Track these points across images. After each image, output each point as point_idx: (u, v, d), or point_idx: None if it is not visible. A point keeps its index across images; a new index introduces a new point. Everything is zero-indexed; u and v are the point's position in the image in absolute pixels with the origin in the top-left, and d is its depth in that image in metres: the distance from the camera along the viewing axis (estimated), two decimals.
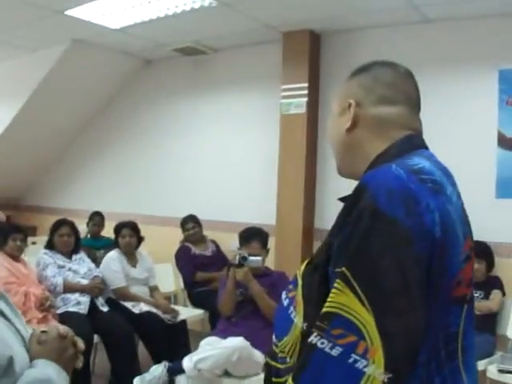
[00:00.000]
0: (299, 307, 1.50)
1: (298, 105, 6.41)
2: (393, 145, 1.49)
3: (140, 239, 5.97)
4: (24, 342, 1.56)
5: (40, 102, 7.77)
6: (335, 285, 1.26)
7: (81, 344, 1.64)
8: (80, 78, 7.77)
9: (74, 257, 5.52)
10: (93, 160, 8.90)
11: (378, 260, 1.23)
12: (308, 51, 6.42)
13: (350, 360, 1.19)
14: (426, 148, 1.54)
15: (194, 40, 7.02)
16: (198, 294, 6.40)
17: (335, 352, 1.20)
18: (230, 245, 6.50)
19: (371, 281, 1.22)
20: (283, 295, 1.61)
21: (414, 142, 1.52)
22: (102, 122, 8.81)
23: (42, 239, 6.14)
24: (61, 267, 5.32)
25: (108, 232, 7.04)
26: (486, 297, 5.11)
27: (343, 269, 1.25)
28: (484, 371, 4.60)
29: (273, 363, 1.57)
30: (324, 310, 1.26)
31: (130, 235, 5.84)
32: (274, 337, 1.60)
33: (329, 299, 1.26)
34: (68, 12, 6.00)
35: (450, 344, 1.34)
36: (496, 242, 5.35)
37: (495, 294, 5.12)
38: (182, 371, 4.09)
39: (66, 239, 5.45)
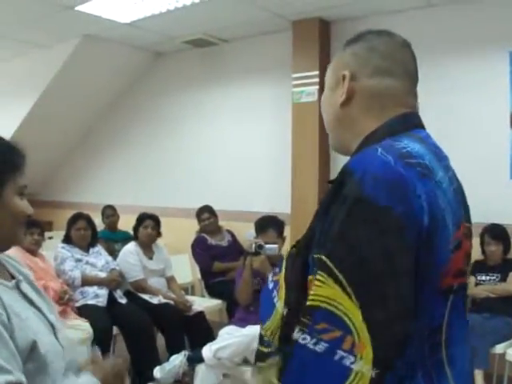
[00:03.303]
0: (281, 291, 1.46)
1: (310, 93, 6.40)
2: (384, 124, 1.41)
3: (159, 234, 5.99)
4: (53, 328, 1.58)
5: (53, 97, 7.81)
6: (317, 277, 1.20)
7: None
8: (92, 72, 7.81)
9: (91, 250, 5.56)
10: (106, 153, 8.94)
11: (361, 248, 1.17)
12: (318, 39, 6.42)
13: (336, 357, 1.13)
14: (422, 127, 1.45)
15: (204, 31, 7.03)
16: (215, 284, 6.43)
17: (320, 348, 1.15)
18: (245, 234, 6.51)
19: (355, 269, 1.16)
20: (269, 277, 1.57)
21: (409, 122, 1.43)
22: (114, 115, 8.85)
23: (59, 234, 6.18)
24: (78, 261, 5.36)
25: (124, 225, 7.09)
26: (504, 279, 5.07)
27: (322, 257, 1.20)
28: (503, 354, 4.60)
29: (258, 346, 1.54)
30: (307, 303, 1.20)
31: (152, 227, 5.86)
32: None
33: (311, 292, 1.21)
34: (78, 7, 6.04)
35: (433, 337, 1.29)
36: None
37: None
38: (201, 360, 4.13)
39: (83, 233, 5.49)
